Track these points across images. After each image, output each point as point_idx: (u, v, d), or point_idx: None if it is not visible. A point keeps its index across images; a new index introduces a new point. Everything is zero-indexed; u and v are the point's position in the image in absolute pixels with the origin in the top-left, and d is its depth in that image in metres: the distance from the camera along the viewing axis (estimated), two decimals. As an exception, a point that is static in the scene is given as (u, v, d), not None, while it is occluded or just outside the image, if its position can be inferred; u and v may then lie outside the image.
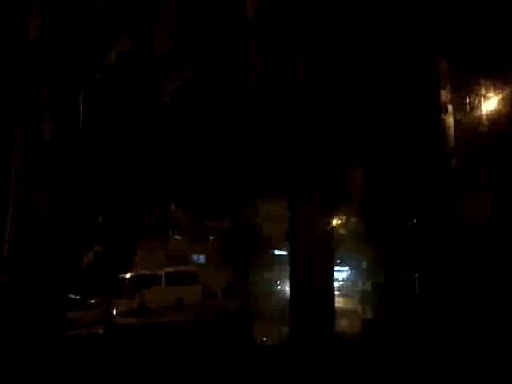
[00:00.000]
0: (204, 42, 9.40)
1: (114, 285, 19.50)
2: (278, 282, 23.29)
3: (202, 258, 27.88)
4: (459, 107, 12.80)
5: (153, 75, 9.50)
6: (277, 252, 23.98)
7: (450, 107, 13.14)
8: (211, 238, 25.85)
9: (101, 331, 15.50)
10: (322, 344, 9.98)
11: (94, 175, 13.96)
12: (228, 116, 12.87)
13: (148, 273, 21.26)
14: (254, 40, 10.28)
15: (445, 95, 13.03)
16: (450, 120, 13.16)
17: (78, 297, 17.27)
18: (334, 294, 12.24)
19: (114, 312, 18.26)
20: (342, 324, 13.30)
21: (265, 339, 12.79)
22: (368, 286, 16.50)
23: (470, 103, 12.68)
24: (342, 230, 17.29)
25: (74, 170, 7.90)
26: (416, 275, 12.70)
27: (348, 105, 11.73)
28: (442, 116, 12.94)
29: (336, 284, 16.62)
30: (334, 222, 14.99)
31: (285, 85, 10.78)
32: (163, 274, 21.41)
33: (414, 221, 12.09)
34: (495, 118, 12.10)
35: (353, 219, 16.76)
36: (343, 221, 17.15)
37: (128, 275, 20.50)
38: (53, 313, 7.58)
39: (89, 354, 10.71)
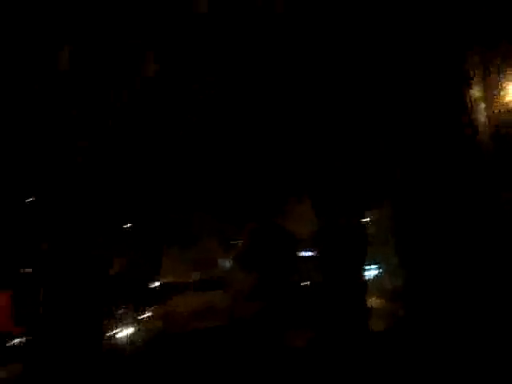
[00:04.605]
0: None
1: (143, 294, 19.59)
2: (303, 283, 23.14)
3: (227, 264, 27.91)
4: (492, 105, 12.36)
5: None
6: (302, 253, 23.81)
7: (482, 105, 12.70)
8: (237, 242, 25.87)
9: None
10: (356, 344, 9.80)
11: (102, 183, 13.96)
12: (250, 119, 12.76)
13: (177, 281, 21.32)
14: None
15: (475, 92, 12.58)
16: (482, 119, 12.71)
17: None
18: (365, 292, 12.00)
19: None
20: (375, 325, 13.05)
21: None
22: (399, 282, 16.18)
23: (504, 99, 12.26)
24: (371, 228, 17.02)
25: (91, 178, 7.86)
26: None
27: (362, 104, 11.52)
28: (472, 116, 12.53)
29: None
30: (364, 219, 14.72)
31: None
32: (191, 281, 21.51)
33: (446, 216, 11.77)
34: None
35: (383, 215, 16.46)
36: (373, 218, 16.86)
37: (157, 283, 20.61)
38: (91, 325, 7.53)
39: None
